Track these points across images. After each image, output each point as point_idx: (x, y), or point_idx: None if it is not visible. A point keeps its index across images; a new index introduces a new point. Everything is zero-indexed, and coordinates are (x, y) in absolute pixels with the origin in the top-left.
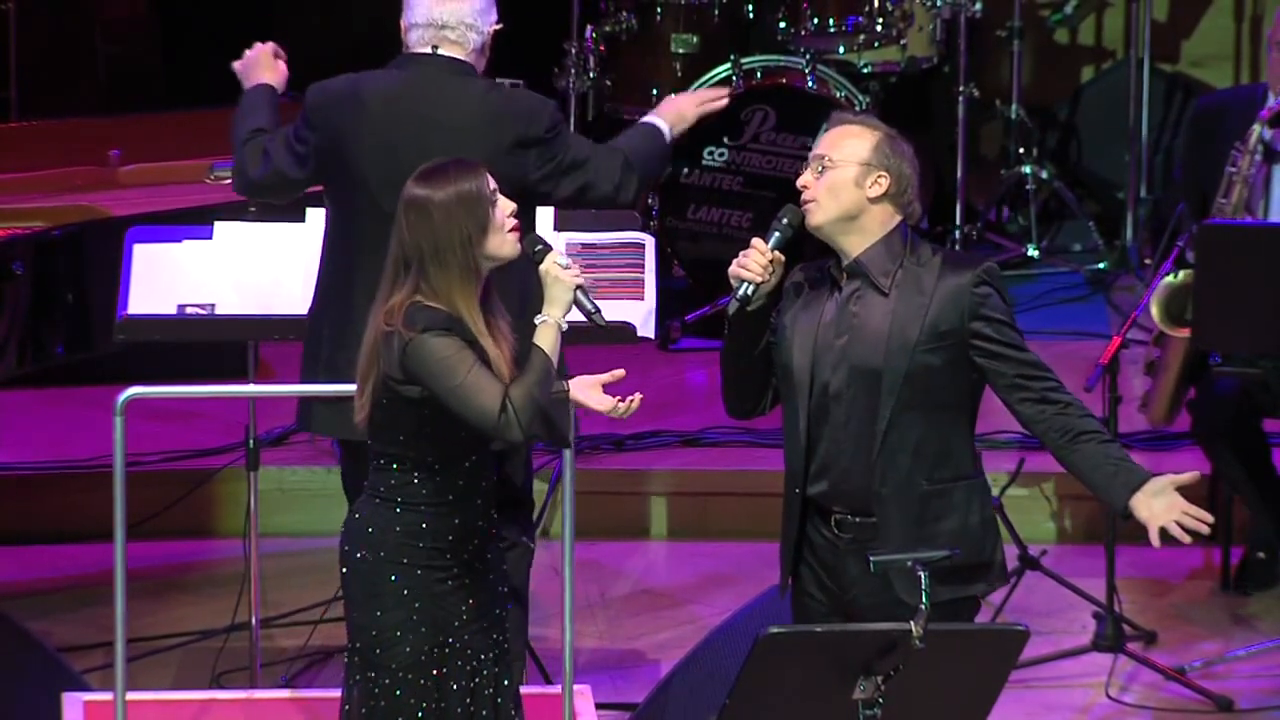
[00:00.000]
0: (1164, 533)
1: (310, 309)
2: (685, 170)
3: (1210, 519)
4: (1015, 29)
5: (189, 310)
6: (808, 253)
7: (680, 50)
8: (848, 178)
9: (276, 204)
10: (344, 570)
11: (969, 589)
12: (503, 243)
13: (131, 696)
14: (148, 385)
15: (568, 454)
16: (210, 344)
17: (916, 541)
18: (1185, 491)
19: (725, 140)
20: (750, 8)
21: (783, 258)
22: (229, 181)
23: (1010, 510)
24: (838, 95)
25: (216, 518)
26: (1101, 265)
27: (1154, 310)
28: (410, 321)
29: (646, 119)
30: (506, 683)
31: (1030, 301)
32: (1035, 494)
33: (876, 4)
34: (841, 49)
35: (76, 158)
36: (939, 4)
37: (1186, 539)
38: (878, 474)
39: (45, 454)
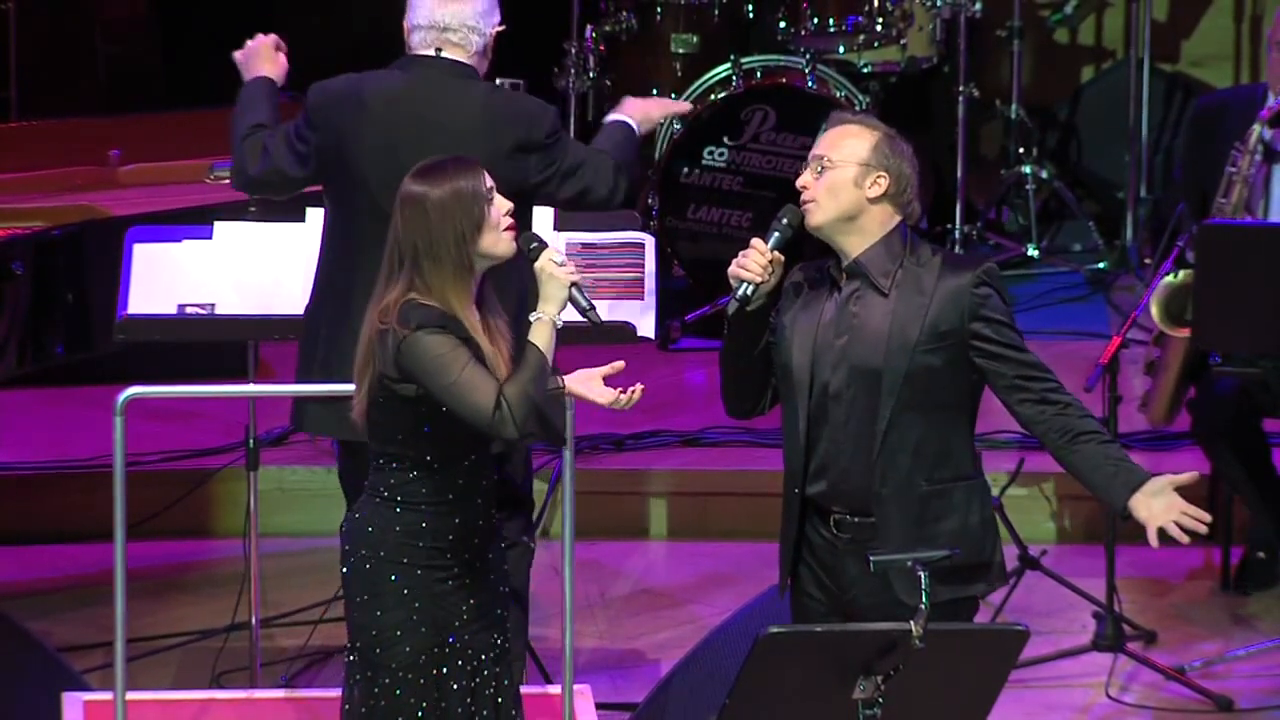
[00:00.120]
0: (1163, 533)
1: (307, 307)
2: (685, 170)
3: (1208, 518)
4: (1015, 29)
5: (189, 310)
6: (808, 253)
7: (680, 50)
8: (847, 178)
9: (275, 200)
10: (344, 570)
11: (969, 589)
12: (497, 241)
13: (131, 696)
14: (148, 385)
15: (568, 454)
16: (210, 344)
17: (916, 542)
18: (1185, 491)
19: (725, 140)
20: (750, 8)
21: (782, 258)
22: (229, 181)
23: (1010, 510)
24: (838, 95)
25: (216, 518)
26: (1101, 265)
27: (1154, 310)
28: (404, 319)
29: (616, 118)
30: (507, 683)
31: (1030, 301)
32: (1035, 494)
33: (876, 4)
34: (841, 49)
35: (76, 158)
36: (939, 4)
37: (1185, 539)
38: (878, 474)
39: (45, 454)
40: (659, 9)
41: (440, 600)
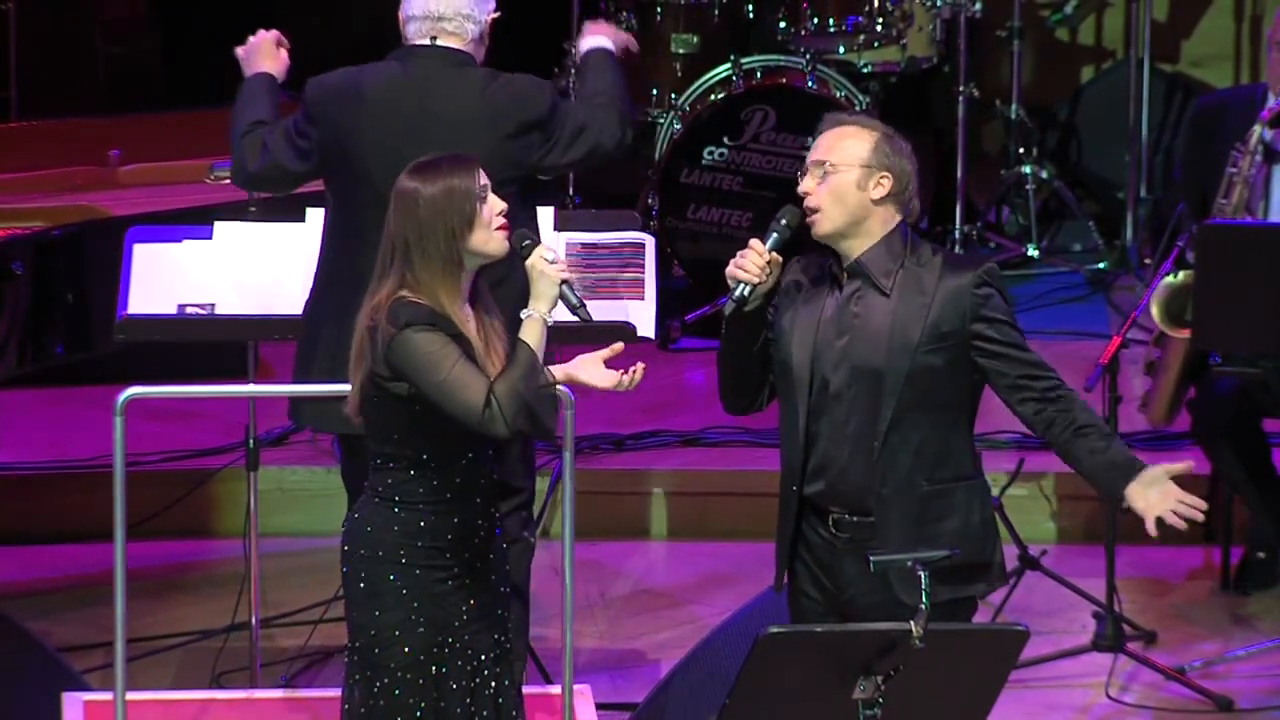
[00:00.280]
0: (1160, 522)
1: (307, 302)
2: (685, 170)
3: (1204, 506)
4: (1015, 29)
5: (189, 310)
6: (806, 252)
7: (680, 50)
8: (850, 181)
9: (276, 196)
10: (344, 570)
11: (969, 589)
12: (489, 239)
13: (131, 696)
14: (148, 385)
15: (567, 454)
16: (210, 344)
17: (917, 542)
18: (1182, 485)
19: (725, 140)
20: (750, 8)
21: (780, 259)
22: (229, 181)
23: (1010, 510)
24: (838, 95)
25: (216, 518)
26: (1101, 265)
27: (1154, 310)
28: (394, 317)
29: (593, 45)
30: (507, 683)
31: (1030, 301)
32: (1035, 494)
33: (876, 4)
34: (841, 49)
35: (76, 158)
36: (939, 4)
37: (1182, 526)
38: (879, 475)
39: (45, 454)
40: (659, 9)
41: (440, 600)
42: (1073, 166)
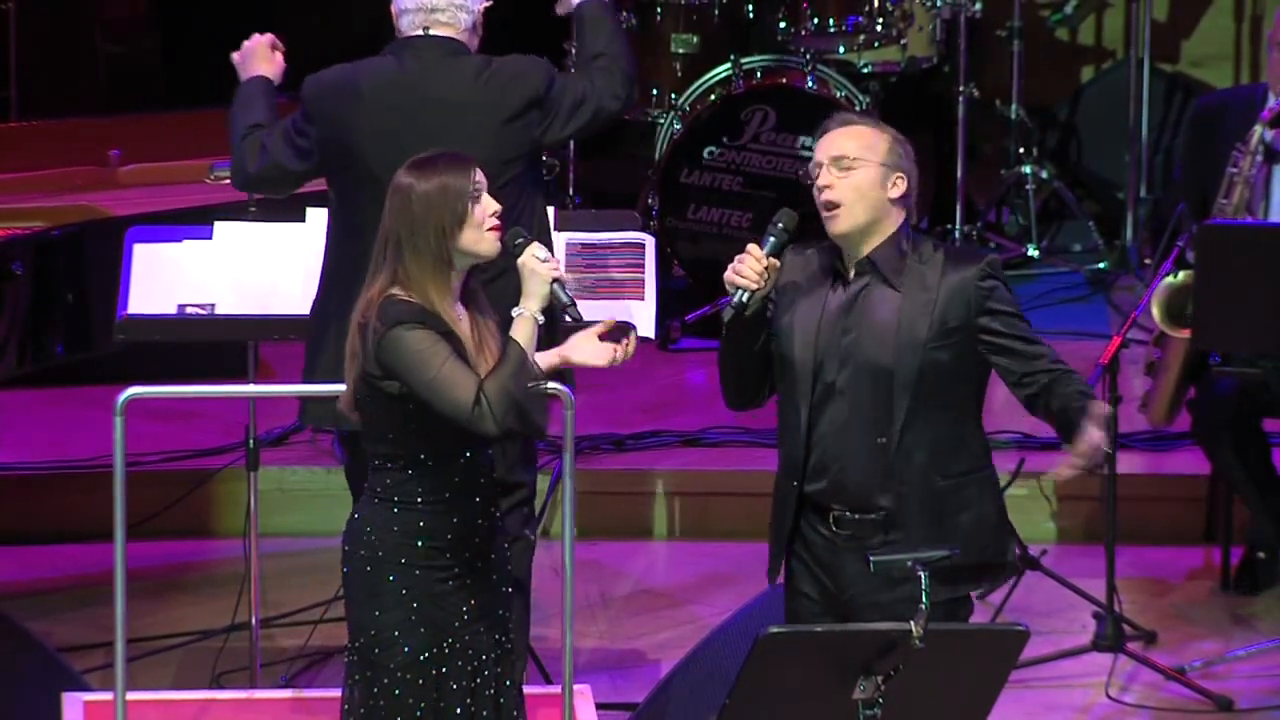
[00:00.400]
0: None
1: (315, 302)
2: (685, 170)
3: (1099, 445)
4: (1015, 29)
5: (189, 310)
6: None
7: (680, 50)
8: (874, 178)
9: (275, 198)
10: (344, 570)
11: (982, 582)
12: (479, 239)
13: (131, 696)
14: (148, 385)
15: (568, 454)
16: (210, 344)
17: (938, 538)
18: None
19: (725, 140)
20: (750, 8)
21: (778, 263)
22: (229, 181)
23: (1010, 510)
24: (838, 95)
25: (216, 518)
26: (1101, 265)
27: (1155, 310)
28: (384, 315)
29: None
30: (509, 683)
31: (1030, 301)
32: (1035, 494)
33: (876, 4)
34: (841, 49)
35: (76, 158)
36: (939, 4)
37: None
38: (895, 473)
39: (45, 454)
40: (659, 9)
41: (440, 600)
42: (1073, 166)
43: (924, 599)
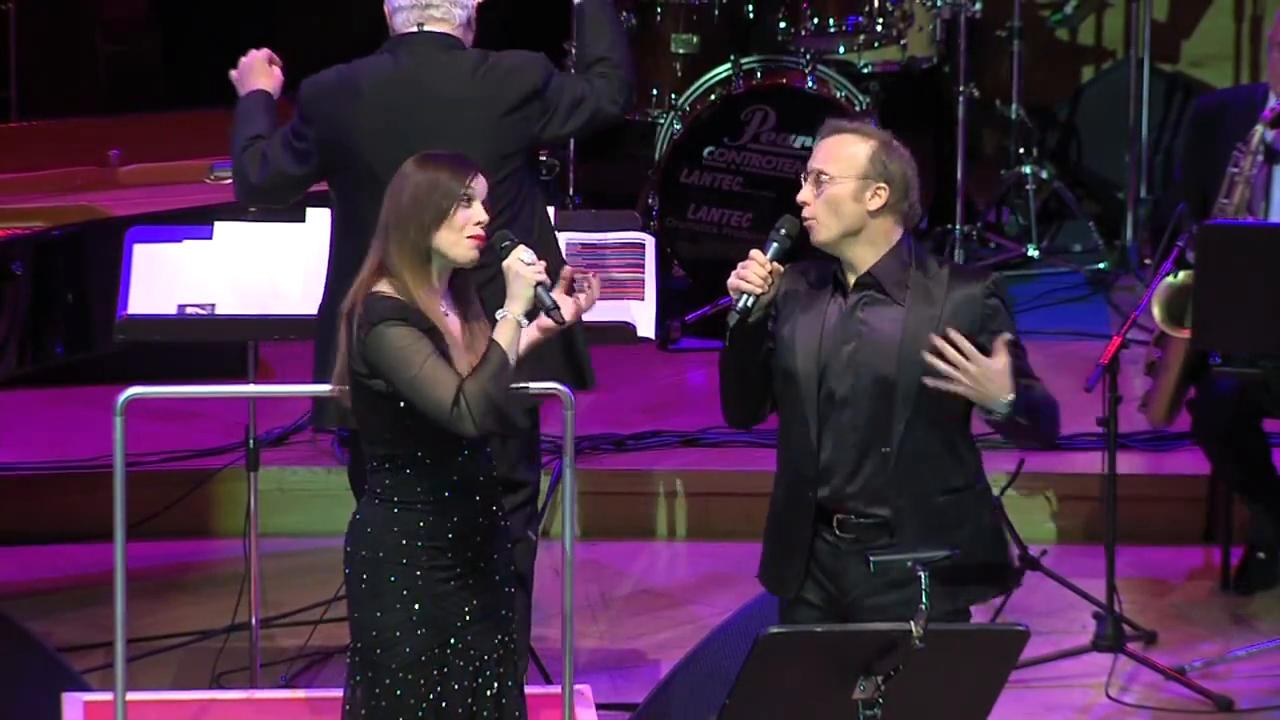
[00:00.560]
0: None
1: (322, 303)
2: (685, 170)
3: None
4: (1015, 29)
5: (189, 310)
6: (803, 259)
7: (680, 50)
8: (846, 192)
9: (280, 207)
10: (346, 571)
11: (986, 591)
12: (455, 243)
13: (131, 696)
14: (148, 385)
15: (568, 454)
16: (210, 344)
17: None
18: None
19: (725, 140)
20: (750, 8)
21: (781, 269)
22: (229, 181)
23: (1010, 510)
24: (838, 95)
25: (216, 518)
26: (1101, 265)
27: (1155, 310)
28: (367, 312)
29: None
30: (511, 683)
31: (1030, 301)
32: (1035, 494)
33: (876, 4)
34: (841, 49)
35: (76, 158)
36: (939, 4)
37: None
38: (895, 486)
39: (45, 454)
40: (659, 9)
41: (441, 600)
42: (1073, 166)
43: (924, 599)
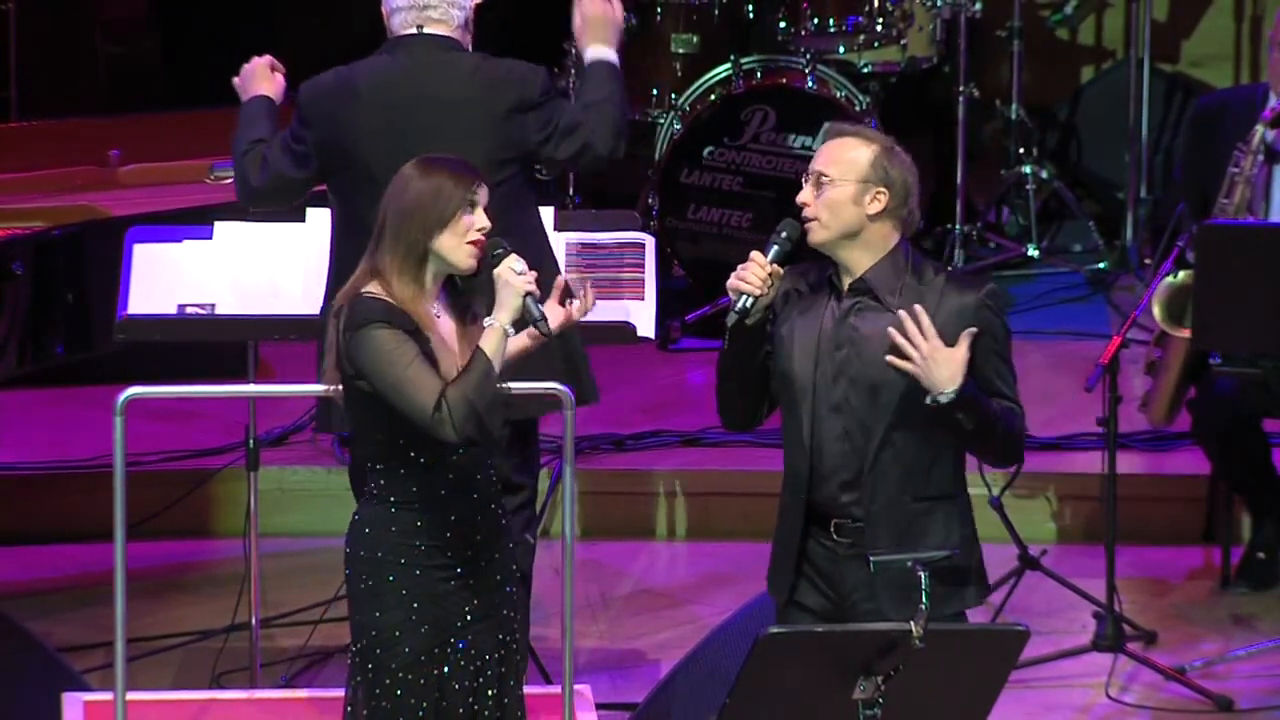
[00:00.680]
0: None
1: (323, 305)
2: (685, 170)
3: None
4: (1015, 29)
5: (189, 310)
6: (803, 261)
7: (680, 50)
8: (846, 195)
9: (281, 210)
10: (347, 571)
11: (946, 606)
12: (456, 248)
13: (131, 696)
14: (148, 385)
15: (568, 454)
16: (210, 344)
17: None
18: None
19: (725, 140)
20: (750, 8)
21: (781, 271)
22: (229, 181)
23: (1010, 510)
24: (838, 95)
25: (216, 518)
26: (1101, 265)
27: (1155, 310)
28: (353, 314)
29: (596, 56)
30: (512, 683)
31: (1030, 301)
32: (1035, 494)
33: (876, 4)
34: (841, 49)
35: (76, 158)
36: (939, 4)
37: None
38: (869, 490)
39: (45, 454)
40: (659, 9)
41: (441, 600)
42: (1073, 166)
43: (924, 599)
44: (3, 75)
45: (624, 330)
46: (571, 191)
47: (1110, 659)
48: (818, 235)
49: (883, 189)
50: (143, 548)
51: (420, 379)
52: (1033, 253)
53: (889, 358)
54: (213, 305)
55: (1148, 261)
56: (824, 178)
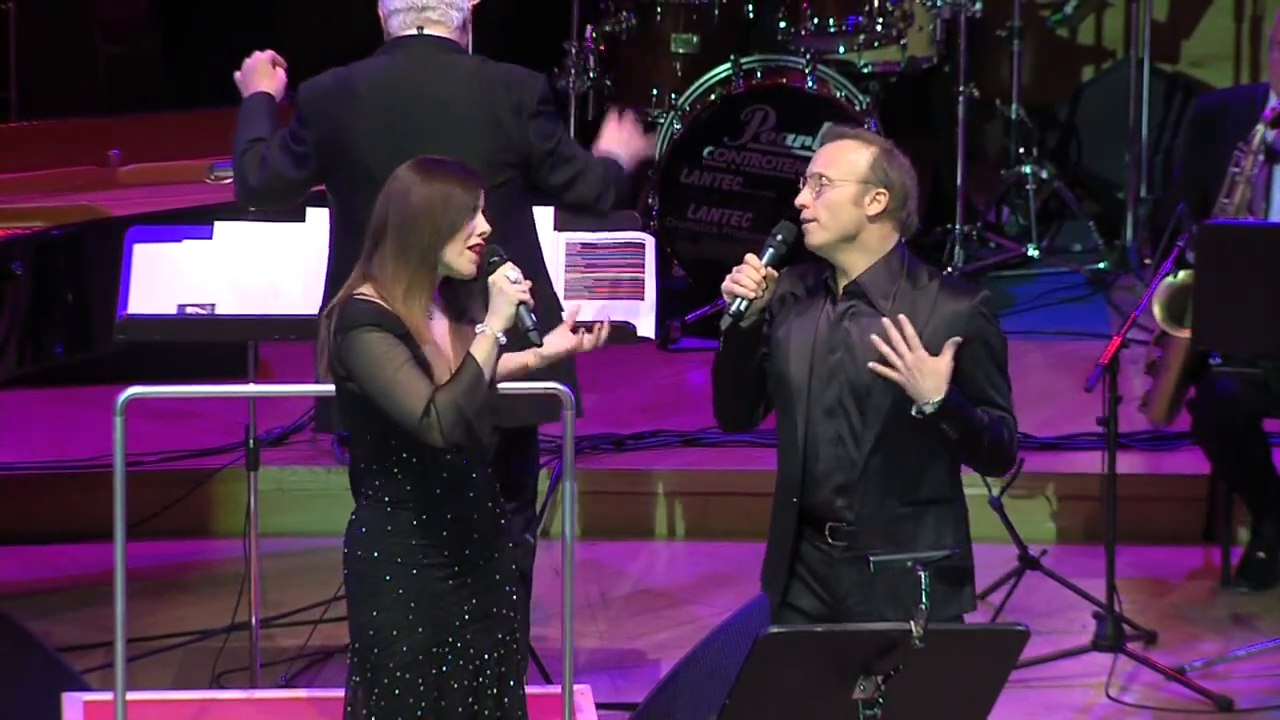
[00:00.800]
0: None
1: (321, 305)
2: (685, 170)
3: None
4: (1015, 29)
5: (189, 310)
6: (800, 264)
7: (680, 50)
8: (846, 197)
9: (280, 209)
10: (345, 571)
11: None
12: (460, 255)
13: (131, 696)
14: (148, 385)
15: (568, 454)
16: (210, 344)
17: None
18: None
19: (725, 140)
20: (750, 8)
21: (776, 274)
22: (229, 181)
23: (1010, 510)
24: (838, 95)
25: (216, 518)
26: (1101, 265)
27: (1155, 310)
28: (344, 316)
29: (609, 152)
30: (512, 683)
31: (1030, 301)
32: (1035, 494)
33: (876, 4)
34: (841, 49)
35: (76, 158)
36: (939, 4)
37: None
38: (859, 493)
39: (45, 454)
40: (659, 9)
41: (439, 600)
42: (1073, 166)
43: (924, 599)
44: (3, 75)
45: (624, 330)
46: None
47: (1110, 659)
48: (816, 237)
49: (882, 190)
50: (143, 548)
51: (409, 383)
52: (1033, 253)
53: (873, 365)
54: (213, 305)
55: (1148, 261)
56: (823, 179)
